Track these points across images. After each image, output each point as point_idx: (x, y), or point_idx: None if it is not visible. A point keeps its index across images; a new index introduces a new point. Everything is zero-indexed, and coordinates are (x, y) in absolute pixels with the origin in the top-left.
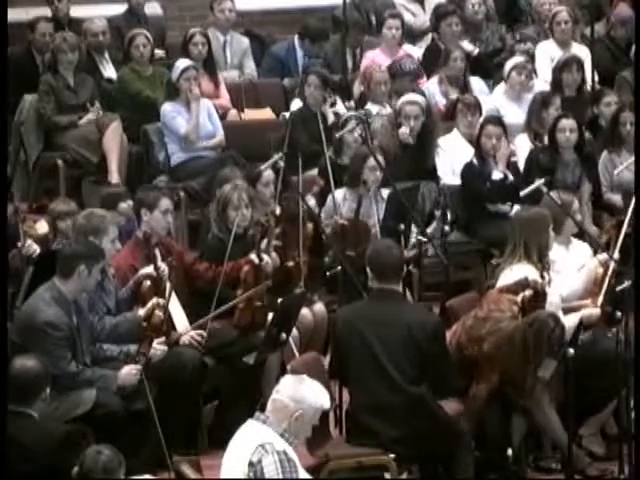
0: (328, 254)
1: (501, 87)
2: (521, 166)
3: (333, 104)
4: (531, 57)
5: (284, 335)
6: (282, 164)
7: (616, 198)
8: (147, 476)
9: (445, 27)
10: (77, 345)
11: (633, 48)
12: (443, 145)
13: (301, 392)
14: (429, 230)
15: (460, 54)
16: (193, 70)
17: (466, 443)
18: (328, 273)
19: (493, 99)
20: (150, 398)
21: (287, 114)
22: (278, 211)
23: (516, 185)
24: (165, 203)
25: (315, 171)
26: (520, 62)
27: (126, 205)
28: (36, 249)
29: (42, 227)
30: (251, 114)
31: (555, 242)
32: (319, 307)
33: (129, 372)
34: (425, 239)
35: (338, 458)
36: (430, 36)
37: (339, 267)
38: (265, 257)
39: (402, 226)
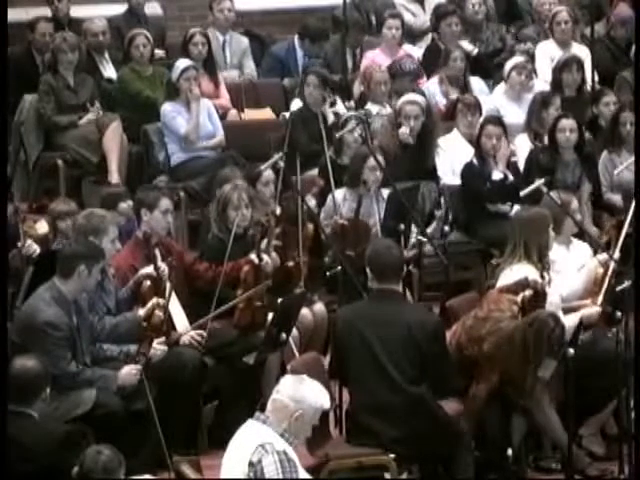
0: (328, 254)
1: (501, 87)
2: (521, 166)
3: (333, 104)
4: (531, 57)
5: (284, 335)
6: (282, 164)
7: (616, 198)
8: (147, 476)
9: (445, 27)
10: (77, 345)
11: (633, 48)
12: (443, 145)
13: (301, 392)
14: (429, 230)
15: (460, 54)
16: (193, 70)
17: (466, 443)
18: (328, 273)
19: (493, 99)
20: (150, 398)
21: (287, 114)
22: (278, 211)
23: (516, 185)
24: (165, 203)
25: (315, 171)
26: (520, 62)
27: (126, 205)
28: (36, 249)
29: (42, 227)
30: (251, 114)
31: (555, 242)
32: (319, 307)
33: (129, 372)
34: (425, 239)
35: (338, 458)
36: (430, 36)
37: (339, 267)
38: (265, 257)
39: (402, 226)
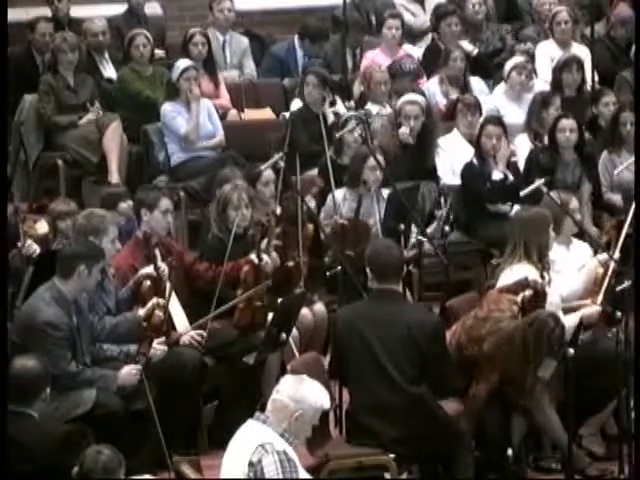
0: (328, 254)
1: (501, 87)
2: (521, 166)
3: (332, 103)
4: (531, 57)
5: (284, 335)
6: (282, 164)
7: (616, 198)
8: (147, 476)
9: (445, 27)
10: (77, 345)
11: (633, 48)
12: (443, 145)
13: (301, 392)
14: (429, 230)
15: (460, 54)
16: (193, 70)
17: (466, 443)
18: (328, 273)
19: (493, 99)
20: (150, 398)
21: (287, 114)
22: (278, 211)
23: (516, 185)
24: (165, 203)
25: (315, 171)
26: (520, 62)
27: (126, 205)
28: (36, 249)
29: (42, 227)
30: (251, 114)
31: (556, 242)
32: (319, 307)
33: (129, 372)
34: (425, 239)
35: (338, 458)
36: (430, 36)
37: (339, 267)
38: (265, 257)
39: (402, 226)
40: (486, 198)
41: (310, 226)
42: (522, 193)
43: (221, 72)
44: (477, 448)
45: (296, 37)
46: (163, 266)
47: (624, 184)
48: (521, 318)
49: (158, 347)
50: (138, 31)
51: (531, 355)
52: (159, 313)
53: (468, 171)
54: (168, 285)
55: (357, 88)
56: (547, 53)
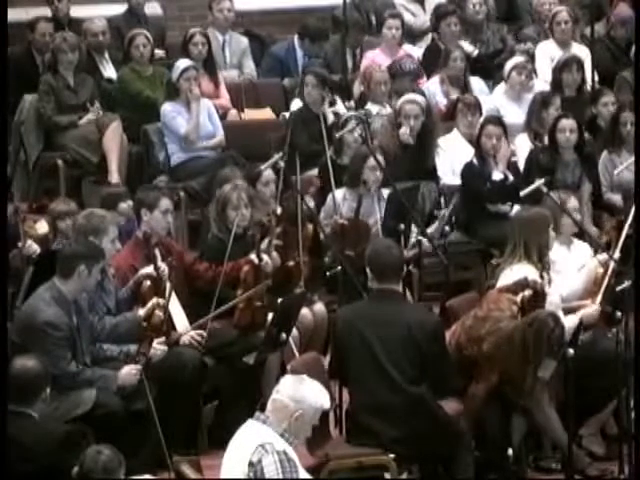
0: (328, 254)
1: (501, 87)
2: (521, 166)
3: (332, 103)
4: (531, 57)
5: (284, 335)
6: (282, 164)
7: (616, 198)
8: (147, 476)
9: (445, 27)
10: (77, 345)
11: (633, 48)
12: (443, 145)
13: (301, 392)
14: (430, 230)
15: (460, 54)
16: (193, 70)
17: (466, 443)
18: (328, 273)
19: (493, 99)
20: (150, 398)
21: (287, 114)
22: (279, 211)
23: (516, 185)
24: (165, 203)
25: (315, 171)
26: (520, 62)
27: (126, 205)
28: (36, 249)
29: (42, 227)
30: (251, 114)
31: (556, 242)
32: (319, 307)
33: (129, 372)
34: (425, 239)
35: (338, 458)
36: (430, 36)
37: (339, 267)
38: (265, 257)
39: (402, 226)
40: (486, 198)
41: (310, 226)
42: (522, 193)
43: (221, 72)
44: (477, 448)
45: (296, 37)
46: (163, 266)
47: (624, 184)
48: (521, 318)
49: (158, 347)
50: (138, 31)
51: (531, 355)
52: (159, 313)
53: (468, 171)
54: (168, 285)
55: (357, 88)
56: (547, 53)
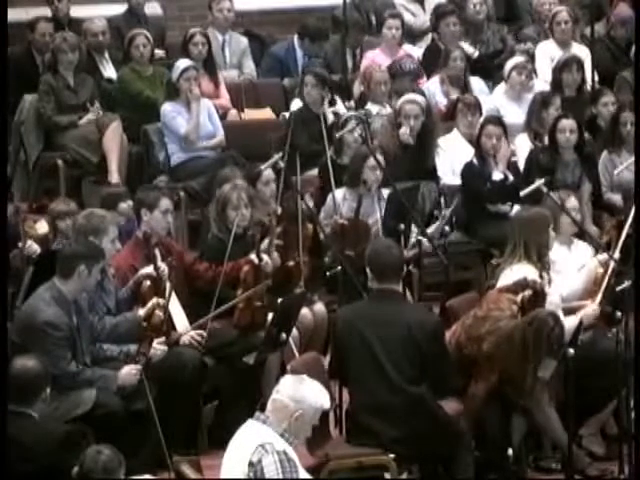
0: (328, 254)
1: (501, 87)
2: (521, 166)
3: (332, 103)
4: (531, 57)
5: (284, 335)
6: (282, 164)
7: (616, 198)
8: (147, 476)
9: (444, 27)
10: (77, 345)
11: (633, 48)
12: (443, 145)
13: (301, 392)
14: (430, 230)
15: (460, 54)
16: (193, 70)
17: (466, 443)
18: (328, 273)
19: (493, 99)
20: (150, 398)
21: (287, 114)
22: (279, 211)
23: (516, 185)
24: (165, 203)
25: (315, 171)
26: (520, 62)
27: (126, 205)
28: (37, 249)
29: (42, 227)
30: (251, 114)
31: (557, 242)
32: (319, 307)
33: (129, 372)
34: (425, 239)
35: (338, 458)
36: (430, 36)
37: (339, 267)
38: (265, 257)
39: (402, 226)
40: (486, 198)
41: (310, 226)
42: (522, 193)
43: (221, 72)
44: (477, 448)
45: (296, 37)
46: (163, 266)
47: (624, 184)
48: (520, 318)
49: (158, 347)
50: (138, 31)
51: (530, 354)
52: (159, 313)
53: (468, 171)
54: (168, 285)
55: (357, 88)
56: (547, 53)
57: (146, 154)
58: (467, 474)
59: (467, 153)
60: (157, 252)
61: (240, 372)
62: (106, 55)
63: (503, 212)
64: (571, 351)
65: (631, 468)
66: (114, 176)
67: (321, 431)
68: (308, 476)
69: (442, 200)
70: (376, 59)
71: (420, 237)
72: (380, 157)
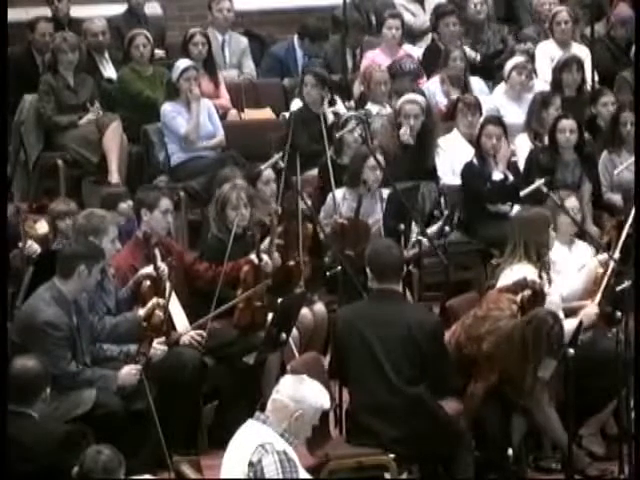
0: (328, 254)
1: (501, 87)
2: (521, 166)
3: (332, 103)
4: (531, 57)
5: (284, 335)
6: (282, 164)
7: (616, 198)
8: (147, 476)
9: (443, 27)
10: (77, 345)
11: (633, 48)
12: (443, 145)
13: (301, 392)
14: (430, 230)
15: (460, 54)
16: (193, 70)
17: (466, 443)
18: (328, 273)
19: (493, 99)
20: (150, 398)
21: (287, 114)
22: (280, 211)
23: (516, 185)
24: (165, 203)
25: (315, 171)
26: (520, 62)
27: (126, 205)
28: (37, 249)
29: (42, 227)
30: (251, 114)
31: (557, 242)
32: (319, 307)
33: (129, 372)
34: (425, 239)
35: (338, 458)
36: (430, 36)
37: (339, 267)
38: (265, 257)
39: (402, 226)
40: (486, 198)
41: (310, 226)
42: (522, 193)
43: (220, 72)
44: (477, 448)
45: (296, 37)
46: (163, 266)
47: (624, 184)
48: (520, 317)
49: (158, 347)
50: (138, 31)
51: (530, 353)
52: (159, 313)
53: (468, 171)
54: (168, 285)
55: (357, 88)
56: (547, 53)
57: (146, 154)
58: (467, 474)
59: (467, 153)
60: (157, 252)
61: (240, 372)
62: (106, 55)
63: (503, 212)
64: (571, 351)
65: (631, 468)
66: (114, 176)
67: (321, 431)
68: (308, 476)
69: (442, 200)
70: (376, 59)
71: (420, 237)
72: (380, 157)
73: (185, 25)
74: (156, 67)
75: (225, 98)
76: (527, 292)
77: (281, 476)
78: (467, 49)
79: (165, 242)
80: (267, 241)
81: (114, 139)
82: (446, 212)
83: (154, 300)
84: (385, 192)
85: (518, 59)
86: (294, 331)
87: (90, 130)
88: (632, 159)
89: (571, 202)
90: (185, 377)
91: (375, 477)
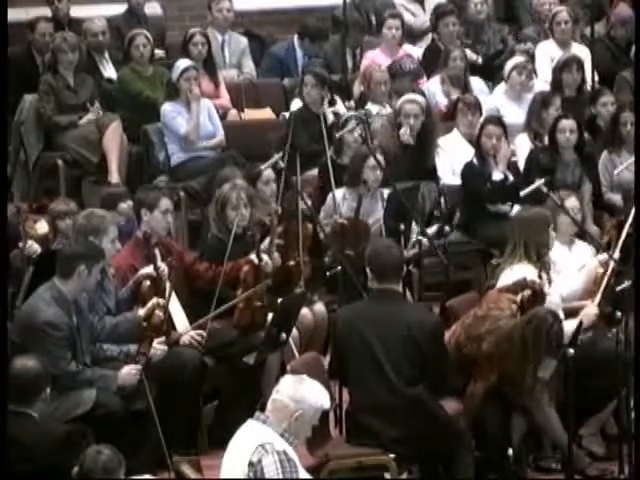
0: (328, 254)
1: (501, 87)
2: (521, 166)
3: (331, 102)
4: (531, 57)
5: (284, 335)
6: (282, 164)
7: (616, 198)
8: (147, 476)
9: (443, 27)
10: (77, 345)
11: (633, 48)
12: (443, 145)
13: (301, 392)
14: (430, 230)
15: (460, 54)
16: (193, 70)
17: (466, 443)
18: (328, 273)
19: (493, 99)
20: (150, 398)
21: (287, 114)
22: (280, 210)
23: (516, 185)
24: (165, 203)
25: (315, 171)
26: (520, 62)
27: (126, 205)
28: (37, 249)
29: (42, 227)
30: (251, 114)
31: (557, 242)
32: (319, 307)
33: (129, 372)
34: (425, 239)
35: (338, 458)
36: (430, 36)
37: (339, 267)
38: (265, 257)
39: (402, 226)
40: (486, 198)
41: (310, 226)
42: (522, 193)
43: (220, 72)
44: (477, 448)
45: (296, 37)
46: (163, 266)
47: (624, 184)
48: (520, 317)
49: (158, 347)
50: (138, 31)
51: (530, 352)
52: (159, 313)
53: (468, 171)
54: (168, 285)
55: (357, 88)
56: (547, 53)
57: (146, 154)
58: (467, 474)
59: (467, 153)
60: (157, 252)
61: (240, 372)
62: (106, 55)
63: (503, 212)
64: (571, 351)
65: (631, 468)
66: (114, 176)
67: (321, 431)
68: (308, 476)
69: (442, 200)
70: (376, 59)
71: (420, 237)
72: (380, 157)
73: (185, 25)
74: (156, 67)
75: (225, 98)
76: (527, 292)
77: (281, 476)
78: (468, 52)
79: (165, 242)
80: (267, 241)
81: (114, 139)
82: (444, 211)
83: (154, 300)
84: (385, 192)
85: (518, 59)
86: (294, 331)
87: (90, 130)
88: (632, 159)
89: (571, 202)
90: (185, 377)
91: (375, 477)
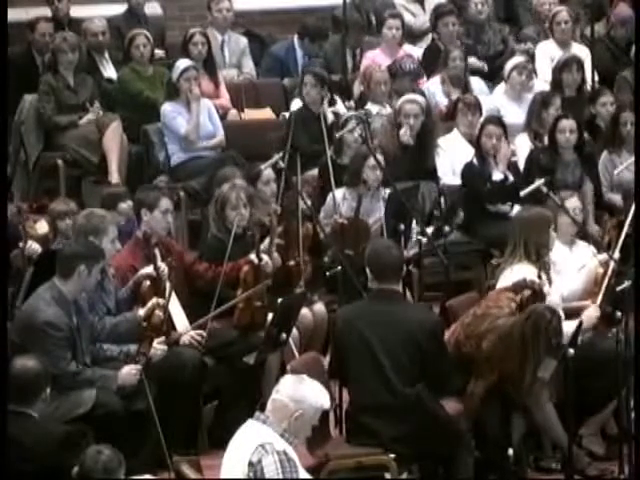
0: (328, 254)
1: (501, 87)
2: (521, 166)
3: (331, 103)
4: (531, 57)
5: (284, 335)
6: (282, 164)
7: (616, 198)
8: (147, 476)
9: (442, 27)
10: (77, 345)
11: (633, 48)
12: (443, 145)
13: (301, 392)
14: (430, 230)
15: (459, 54)
16: (193, 70)
17: (466, 443)
18: (328, 273)
19: (493, 99)
20: (150, 398)
21: (287, 114)
22: (280, 210)
23: (516, 185)
24: (165, 203)
25: (315, 171)
26: (520, 62)
27: (126, 205)
28: (37, 249)
29: (42, 227)
30: (251, 114)
31: (558, 242)
32: (319, 307)
33: (129, 372)
34: (425, 239)
35: (338, 458)
36: (430, 36)
37: (339, 267)
38: (265, 257)
39: (402, 226)
40: (486, 198)
41: (309, 225)
42: (522, 193)
43: (220, 72)
44: (477, 448)
45: (296, 37)
46: (163, 266)
47: (624, 184)
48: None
49: (158, 347)
50: (138, 31)
51: (530, 349)
52: (159, 313)
53: (468, 171)
54: (168, 285)
55: (357, 88)
56: (547, 53)
57: (146, 154)
58: (467, 474)
59: (467, 153)
60: (157, 252)
61: (240, 372)
62: (106, 55)
63: (503, 212)
64: (571, 351)
65: (631, 468)
66: (114, 176)
67: (321, 431)
68: (308, 476)
69: (442, 200)
70: (376, 59)
71: (420, 237)
72: (380, 157)
73: (185, 25)
74: (156, 67)
75: (225, 98)
76: (527, 292)
77: (281, 476)
78: (474, 59)
79: (165, 242)
80: (267, 241)
81: (114, 139)
82: (444, 211)
83: (154, 300)
84: (386, 192)
85: (518, 59)
86: (294, 331)
87: (90, 130)
88: (632, 159)
89: (572, 202)
90: (185, 377)
91: (375, 477)
